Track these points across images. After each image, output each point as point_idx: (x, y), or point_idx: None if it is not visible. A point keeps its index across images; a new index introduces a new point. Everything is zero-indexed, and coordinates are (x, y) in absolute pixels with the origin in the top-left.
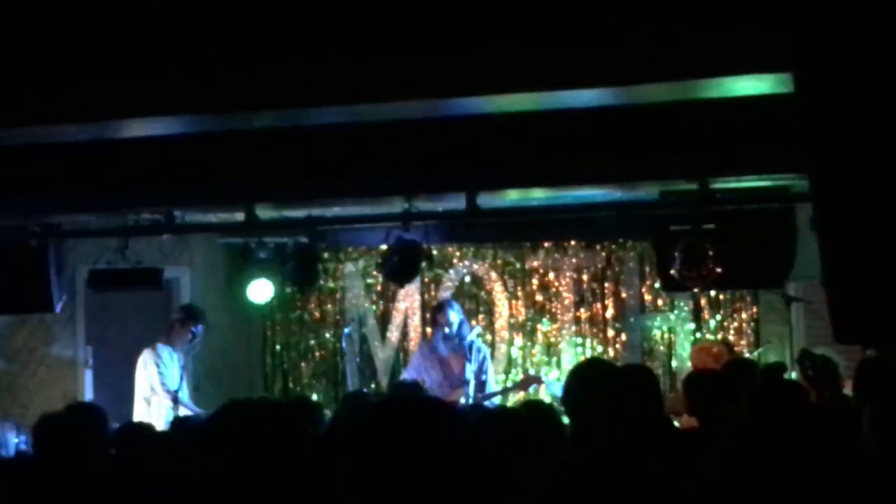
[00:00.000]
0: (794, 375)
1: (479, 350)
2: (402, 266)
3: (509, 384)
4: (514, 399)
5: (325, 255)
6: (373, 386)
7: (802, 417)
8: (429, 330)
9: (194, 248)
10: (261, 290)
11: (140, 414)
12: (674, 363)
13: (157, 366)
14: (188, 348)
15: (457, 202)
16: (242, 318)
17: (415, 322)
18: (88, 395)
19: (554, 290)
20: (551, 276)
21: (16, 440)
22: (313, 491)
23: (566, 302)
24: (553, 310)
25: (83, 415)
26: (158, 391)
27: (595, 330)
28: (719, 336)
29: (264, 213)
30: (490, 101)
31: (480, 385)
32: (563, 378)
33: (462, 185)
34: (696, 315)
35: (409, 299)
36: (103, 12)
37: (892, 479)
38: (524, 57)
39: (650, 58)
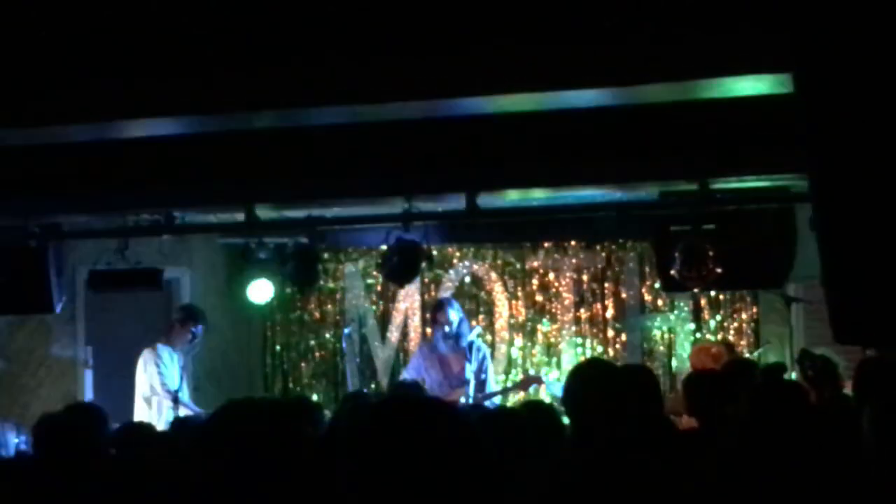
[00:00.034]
0: (794, 376)
1: (479, 350)
2: (402, 266)
3: (509, 384)
4: (514, 399)
5: (326, 255)
6: (373, 386)
7: (802, 418)
8: (429, 330)
9: (194, 249)
10: (261, 291)
11: (140, 414)
12: (674, 363)
13: (158, 366)
14: (188, 349)
15: (457, 202)
16: (242, 318)
17: (415, 322)
18: (88, 395)
19: (554, 290)
20: (551, 276)
21: (16, 440)
22: (313, 491)
23: (566, 302)
24: (553, 310)
25: (83, 415)
26: (158, 391)
27: (595, 330)
28: (719, 336)
29: (264, 213)
30: (490, 102)
31: (480, 385)
32: (564, 378)
33: (462, 185)
34: (697, 315)
35: (409, 300)
36: (104, 13)
37: (892, 479)
38: (524, 57)
39: (650, 58)
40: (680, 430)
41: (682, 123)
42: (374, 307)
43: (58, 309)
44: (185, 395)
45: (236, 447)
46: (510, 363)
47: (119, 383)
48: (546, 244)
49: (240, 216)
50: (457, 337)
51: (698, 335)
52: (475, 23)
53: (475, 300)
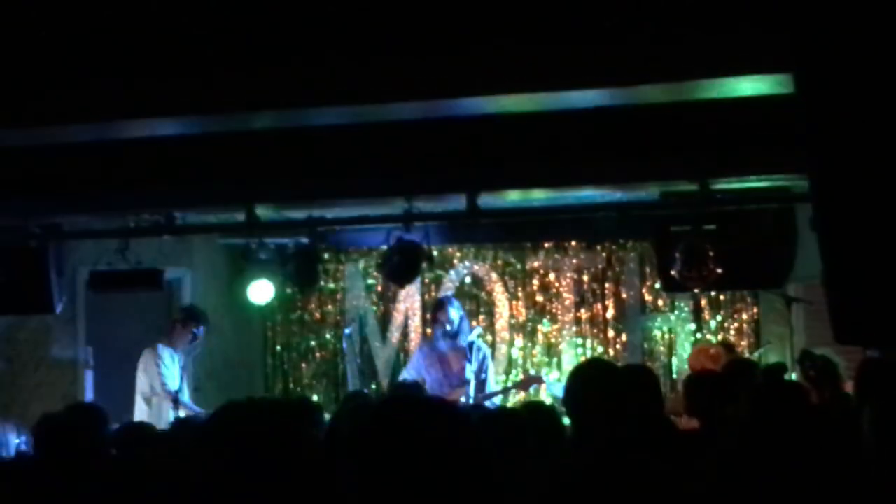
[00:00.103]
0: (794, 376)
1: (479, 350)
2: (402, 267)
3: (510, 384)
4: (514, 399)
5: (326, 255)
6: (373, 387)
7: (803, 418)
8: (429, 330)
9: (195, 249)
10: (261, 291)
11: (141, 414)
12: (674, 364)
13: (158, 366)
14: (189, 349)
15: (457, 203)
16: (243, 318)
17: (415, 323)
18: (88, 395)
19: (554, 290)
20: (552, 276)
21: (16, 440)
22: (314, 491)
23: (566, 302)
24: (553, 310)
25: (83, 415)
26: (159, 392)
27: (595, 330)
28: (720, 337)
29: (265, 213)
30: (490, 102)
31: (480, 385)
32: (564, 379)
33: (462, 185)
34: (697, 316)
35: (409, 300)
36: (104, 13)
37: (892, 479)
38: (524, 57)
39: (650, 58)
40: (680, 431)
41: (682, 123)
42: (374, 307)
43: (58, 309)
44: (185, 395)
45: (236, 447)
46: (510, 363)
47: (119, 383)
48: (546, 244)
49: (240, 216)
50: (457, 335)
51: (699, 335)
52: (475, 23)
53: (475, 300)
